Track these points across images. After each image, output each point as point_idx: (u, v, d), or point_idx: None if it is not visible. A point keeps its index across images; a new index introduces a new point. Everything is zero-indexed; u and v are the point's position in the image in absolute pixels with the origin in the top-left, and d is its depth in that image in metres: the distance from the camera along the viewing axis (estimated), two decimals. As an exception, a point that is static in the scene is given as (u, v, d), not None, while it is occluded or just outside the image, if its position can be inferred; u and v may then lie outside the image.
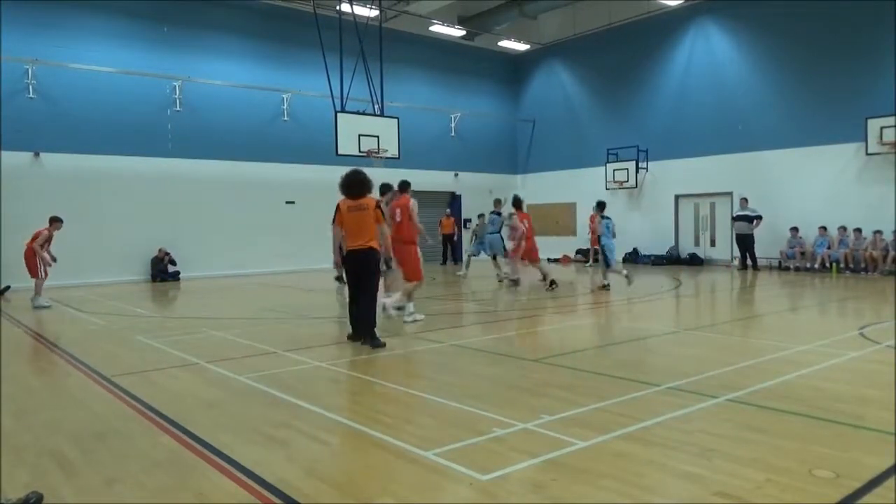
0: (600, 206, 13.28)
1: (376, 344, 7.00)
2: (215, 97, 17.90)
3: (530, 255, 12.93)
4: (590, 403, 4.66)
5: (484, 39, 22.53)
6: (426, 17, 20.28)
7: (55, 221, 11.74)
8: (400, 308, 8.86)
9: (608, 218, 13.14)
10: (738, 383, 5.15)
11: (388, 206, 9.13)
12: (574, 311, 10.47)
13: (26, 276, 14.65)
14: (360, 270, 7.21)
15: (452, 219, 22.07)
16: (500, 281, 14.41)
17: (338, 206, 7.34)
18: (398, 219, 8.90)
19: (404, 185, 9.41)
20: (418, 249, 9.08)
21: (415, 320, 8.83)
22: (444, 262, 21.70)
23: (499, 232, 14.99)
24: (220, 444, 3.93)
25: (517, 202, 13.19)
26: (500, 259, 14.95)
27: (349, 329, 7.55)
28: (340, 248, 7.52)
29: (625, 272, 12.97)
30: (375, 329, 7.24)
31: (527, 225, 12.79)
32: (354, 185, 7.31)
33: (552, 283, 12.60)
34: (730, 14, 18.62)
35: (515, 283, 13.60)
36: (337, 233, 7.41)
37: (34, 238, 11.53)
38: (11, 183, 14.67)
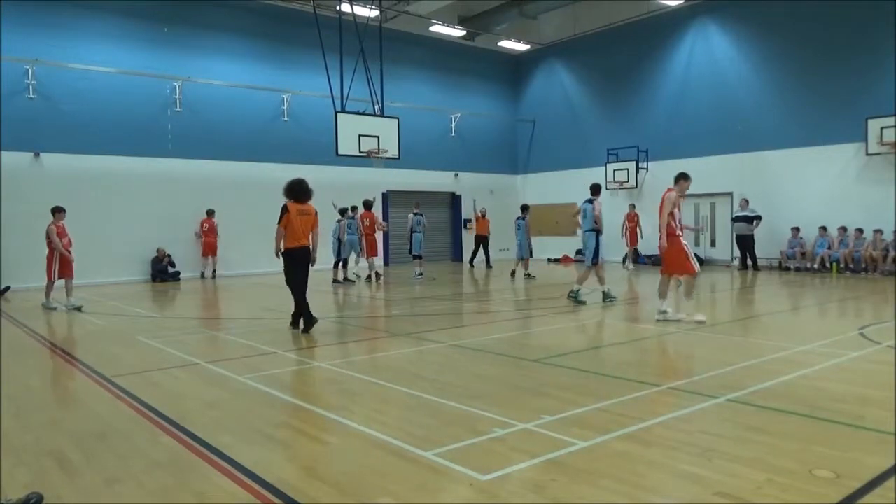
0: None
1: (312, 322, 8.21)
2: (215, 97, 17.90)
3: (368, 252, 15.63)
4: (590, 403, 4.65)
5: (484, 39, 22.53)
6: (426, 18, 20.27)
7: (56, 212, 11.23)
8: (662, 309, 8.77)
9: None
10: (738, 383, 5.15)
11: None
12: (574, 312, 10.46)
13: (26, 276, 14.74)
14: (302, 266, 8.27)
15: (488, 220, 19.78)
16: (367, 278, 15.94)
17: (287, 209, 8.14)
18: (663, 209, 8.67)
19: (679, 177, 8.94)
20: (682, 241, 8.73)
21: (679, 320, 8.39)
22: (472, 265, 19.90)
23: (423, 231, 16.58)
24: (220, 444, 3.93)
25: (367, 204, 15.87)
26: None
27: (293, 318, 8.44)
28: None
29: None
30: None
31: (367, 223, 15.64)
32: (303, 193, 8.24)
33: (376, 276, 15.64)
34: (730, 14, 18.62)
35: (369, 278, 15.64)
36: (280, 232, 8.19)
37: (49, 238, 11.04)
38: (11, 183, 14.66)
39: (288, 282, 8.34)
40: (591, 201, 10.97)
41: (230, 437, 4.09)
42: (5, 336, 8.48)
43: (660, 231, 8.71)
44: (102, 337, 8.52)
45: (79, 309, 10.76)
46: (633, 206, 19.44)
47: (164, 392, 5.35)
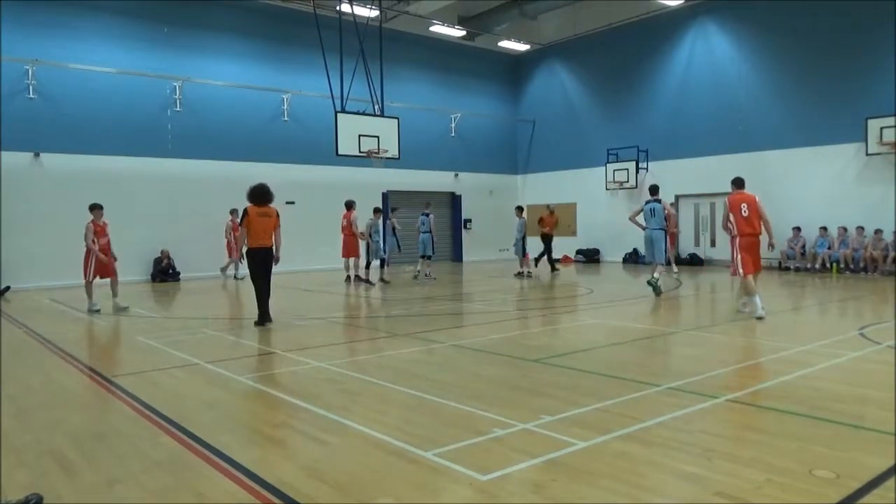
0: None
1: (267, 320, 8.72)
2: (215, 97, 17.90)
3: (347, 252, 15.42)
4: (590, 403, 4.65)
5: (484, 40, 22.53)
6: (426, 18, 20.27)
7: (91, 209, 10.56)
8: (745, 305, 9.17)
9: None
10: (738, 383, 5.15)
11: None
12: (574, 312, 10.47)
13: (26, 276, 14.76)
14: (265, 264, 8.79)
15: (556, 216, 18.31)
16: (414, 278, 16.00)
17: (247, 211, 8.79)
18: (745, 213, 8.89)
19: (739, 182, 9.29)
20: (742, 242, 8.91)
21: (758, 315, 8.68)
22: (534, 266, 17.64)
23: (429, 232, 16.10)
24: (220, 444, 3.92)
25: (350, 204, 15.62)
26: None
27: (259, 314, 8.78)
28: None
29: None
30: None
31: (344, 224, 15.36)
32: (262, 196, 8.86)
33: (355, 278, 15.33)
34: (730, 14, 18.62)
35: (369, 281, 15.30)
36: (243, 233, 8.81)
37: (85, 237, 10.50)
38: (11, 183, 14.66)
39: (253, 280, 8.89)
40: (658, 201, 11.45)
41: (230, 437, 4.09)
42: (5, 336, 8.48)
43: (769, 234, 9.04)
44: (102, 337, 8.53)
45: (125, 309, 10.37)
46: (673, 206, 18.64)
47: (164, 392, 5.35)
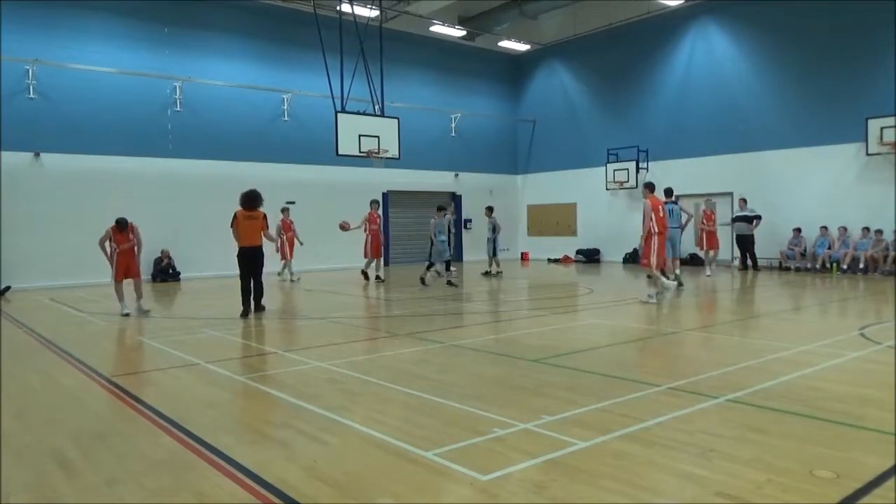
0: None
1: (261, 309, 9.89)
2: (215, 97, 17.90)
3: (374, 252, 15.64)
4: (590, 403, 4.65)
5: (484, 40, 22.53)
6: (426, 18, 20.27)
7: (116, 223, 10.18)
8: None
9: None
10: (738, 383, 5.15)
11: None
12: (574, 312, 10.48)
13: (27, 276, 14.76)
14: (251, 262, 9.77)
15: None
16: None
17: (235, 215, 9.79)
18: (662, 214, 10.62)
19: (652, 186, 10.93)
20: (660, 239, 10.49)
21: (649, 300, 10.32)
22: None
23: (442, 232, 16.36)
24: (220, 444, 3.93)
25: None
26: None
27: (243, 308, 9.70)
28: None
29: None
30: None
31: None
32: (249, 200, 9.83)
33: (369, 276, 15.55)
34: (730, 14, 18.62)
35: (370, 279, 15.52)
36: (234, 234, 9.79)
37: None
38: (11, 183, 14.68)
39: (241, 276, 9.78)
40: (675, 202, 12.55)
41: (230, 437, 4.09)
42: (5, 336, 8.48)
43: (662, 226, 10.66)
44: (102, 337, 8.52)
45: (126, 315, 9.98)
46: (711, 204, 17.18)
47: (164, 392, 5.35)
